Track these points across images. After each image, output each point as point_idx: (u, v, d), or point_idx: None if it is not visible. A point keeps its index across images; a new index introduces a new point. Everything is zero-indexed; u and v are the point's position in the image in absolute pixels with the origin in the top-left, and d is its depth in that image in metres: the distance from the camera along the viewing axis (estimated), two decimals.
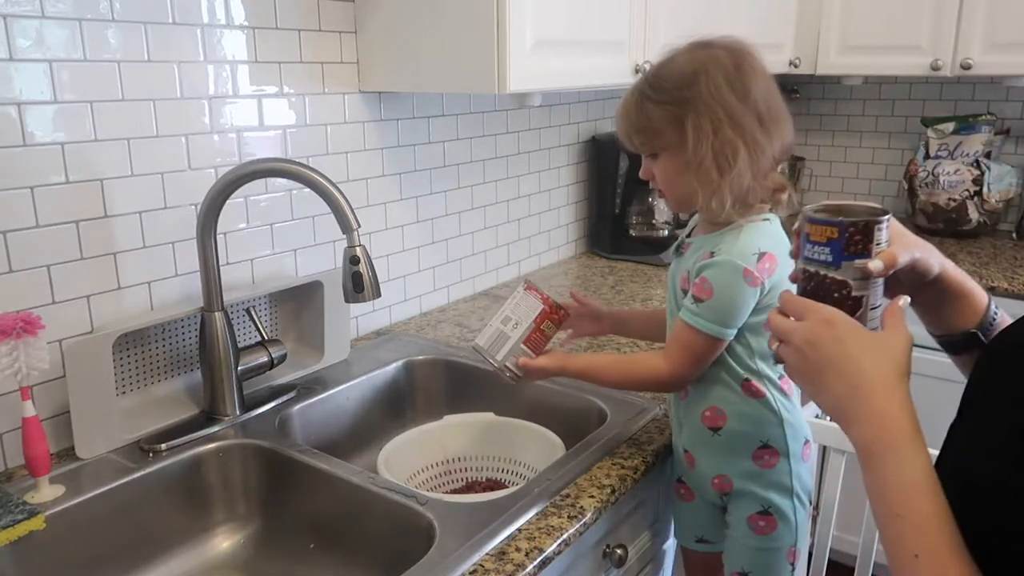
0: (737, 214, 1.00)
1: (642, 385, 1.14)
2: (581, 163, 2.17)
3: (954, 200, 2.33)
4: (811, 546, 1.36)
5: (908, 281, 0.81)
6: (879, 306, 0.77)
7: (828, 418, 1.49)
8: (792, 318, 0.75)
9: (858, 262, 0.74)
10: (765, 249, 0.98)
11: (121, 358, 1.17)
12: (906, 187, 2.48)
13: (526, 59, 1.32)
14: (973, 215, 2.33)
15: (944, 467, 0.69)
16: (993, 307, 0.84)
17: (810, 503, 1.11)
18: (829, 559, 1.34)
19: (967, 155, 2.35)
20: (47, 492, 1.00)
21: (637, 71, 1.59)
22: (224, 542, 1.14)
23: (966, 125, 2.36)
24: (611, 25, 1.54)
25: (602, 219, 2.19)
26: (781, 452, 1.05)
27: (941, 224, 2.38)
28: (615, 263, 2.13)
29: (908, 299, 0.76)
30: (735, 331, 1.00)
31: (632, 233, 2.16)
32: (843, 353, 0.71)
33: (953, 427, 0.73)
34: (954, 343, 0.86)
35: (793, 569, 1.09)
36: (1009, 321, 0.80)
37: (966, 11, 2.11)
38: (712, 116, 0.97)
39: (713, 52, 1.00)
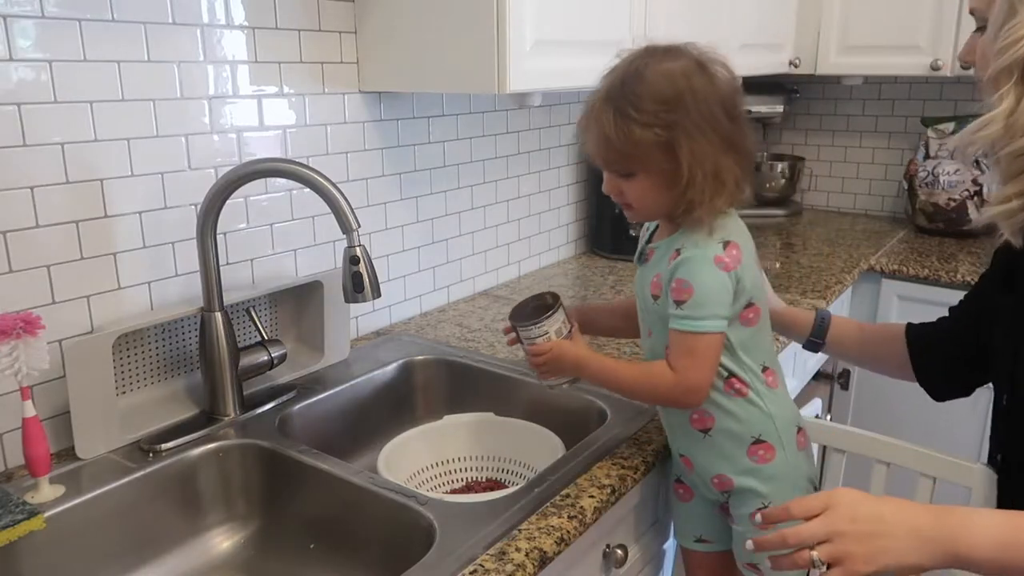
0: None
1: (655, 394, 1.07)
2: (581, 163, 2.17)
3: (954, 200, 2.33)
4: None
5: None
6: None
7: (828, 418, 1.49)
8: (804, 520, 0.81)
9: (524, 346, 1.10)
10: (729, 238, 0.99)
11: (121, 358, 1.17)
12: (906, 187, 2.48)
13: (526, 59, 1.32)
14: (973, 215, 2.33)
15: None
16: (820, 318, 1.23)
17: (816, 487, 1.11)
18: None
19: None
20: (47, 492, 1.00)
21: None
22: (224, 542, 1.14)
23: (966, 125, 2.36)
24: (611, 25, 1.54)
25: (602, 219, 2.19)
26: (775, 445, 1.05)
27: (941, 224, 2.38)
28: (615, 263, 2.13)
29: None
30: (726, 321, 0.99)
31: (632, 233, 2.16)
32: (875, 505, 0.79)
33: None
34: (808, 347, 1.26)
35: None
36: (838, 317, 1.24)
37: (966, 11, 2.11)
38: (706, 142, 0.95)
39: (686, 65, 0.96)
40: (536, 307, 1.10)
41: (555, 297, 1.09)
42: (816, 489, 1.12)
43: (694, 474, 1.11)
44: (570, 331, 1.11)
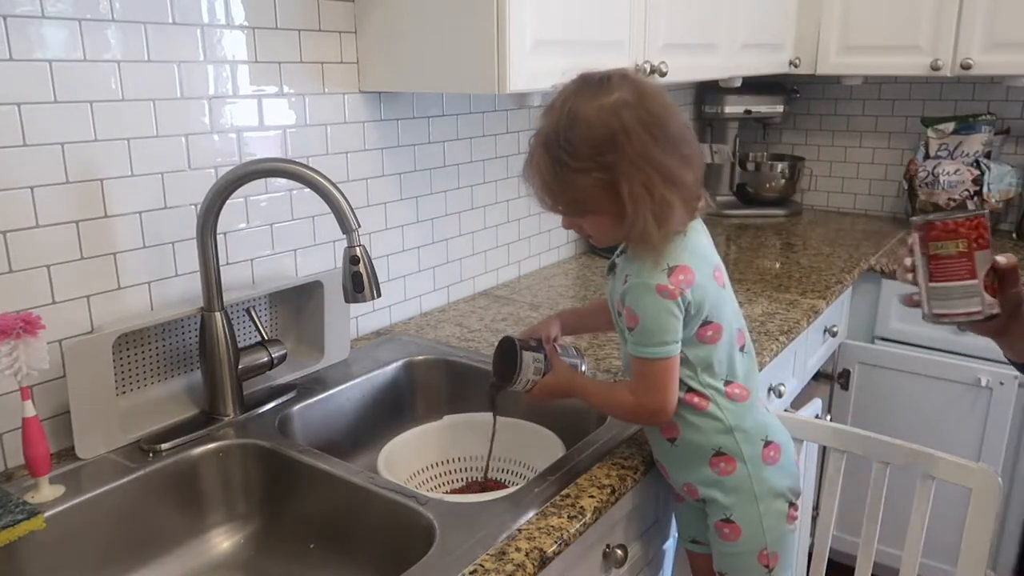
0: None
1: (622, 416, 1.12)
2: None
3: (954, 200, 2.33)
4: (811, 546, 1.36)
5: (1009, 307, 0.96)
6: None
7: (828, 418, 1.49)
8: None
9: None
10: (676, 263, 0.98)
11: (121, 358, 1.17)
12: (906, 187, 2.48)
13: (526, 59, 1.32)
14: None
15: None
16: None
17: (790, 503, 1.09)
18: (829, 559, 1.34)
19: (967, 155, 2.35)
20: (47, 492, 1.00)
21: (637, 71, 1.59)
22: (224, 542, 1.14)
23: (966, 125, 2.36)
24: (611, 25, 1.54)
25: None
26: (737, 458, 1.05)
27: None
28: None
29: None
30: (678, 344, 1.00)
31: None
32: None
33: None
34: None
35: (770, 570, 1.09)
36: None
37: (966, 11, 2.11)
38: (644, 178, 0.93)
39: (620, 98, 0.94)
40: (508, 352, 1.14)
41: (511, 341, 1.14)
42: (792, 504, 1.10)
43: (670, 479, 1.12)
44: (545, 357, 1.13)
